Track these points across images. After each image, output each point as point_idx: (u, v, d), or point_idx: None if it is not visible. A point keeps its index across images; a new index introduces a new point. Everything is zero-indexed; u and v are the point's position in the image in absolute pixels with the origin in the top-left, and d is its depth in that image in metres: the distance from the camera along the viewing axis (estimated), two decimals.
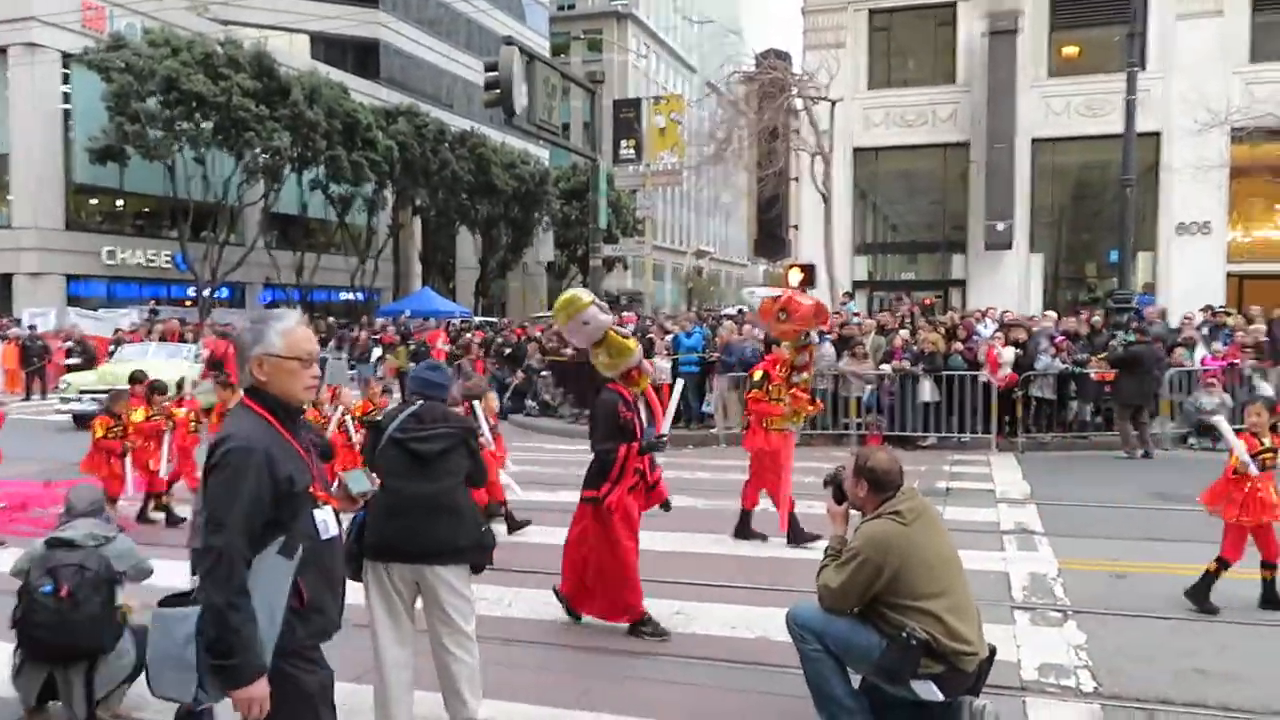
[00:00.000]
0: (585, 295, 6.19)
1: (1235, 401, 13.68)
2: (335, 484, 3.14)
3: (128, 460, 8.81)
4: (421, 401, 4.43)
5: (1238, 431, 6.42)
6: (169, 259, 34.39)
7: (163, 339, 21.01)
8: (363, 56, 46.88)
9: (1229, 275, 22.02)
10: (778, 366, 8.10)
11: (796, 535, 7.99)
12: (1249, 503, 6.10)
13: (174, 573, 4.61)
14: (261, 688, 2.64)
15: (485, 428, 8.32)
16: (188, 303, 34.04)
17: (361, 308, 39.92)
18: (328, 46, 45.31)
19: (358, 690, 4.52)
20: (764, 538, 8.16)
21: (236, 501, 2.64)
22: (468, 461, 4.41)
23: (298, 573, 2.72)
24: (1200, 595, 6.20)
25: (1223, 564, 6.20)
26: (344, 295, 41.58)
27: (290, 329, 2.87)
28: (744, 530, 8.27)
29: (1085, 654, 5.45)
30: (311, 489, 2.83)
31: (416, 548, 4.18)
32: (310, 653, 2.84)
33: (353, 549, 4.13)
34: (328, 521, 2.87)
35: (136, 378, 9.68)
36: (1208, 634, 5.76)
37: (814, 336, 8.75)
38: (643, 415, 6.11)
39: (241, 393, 2.89)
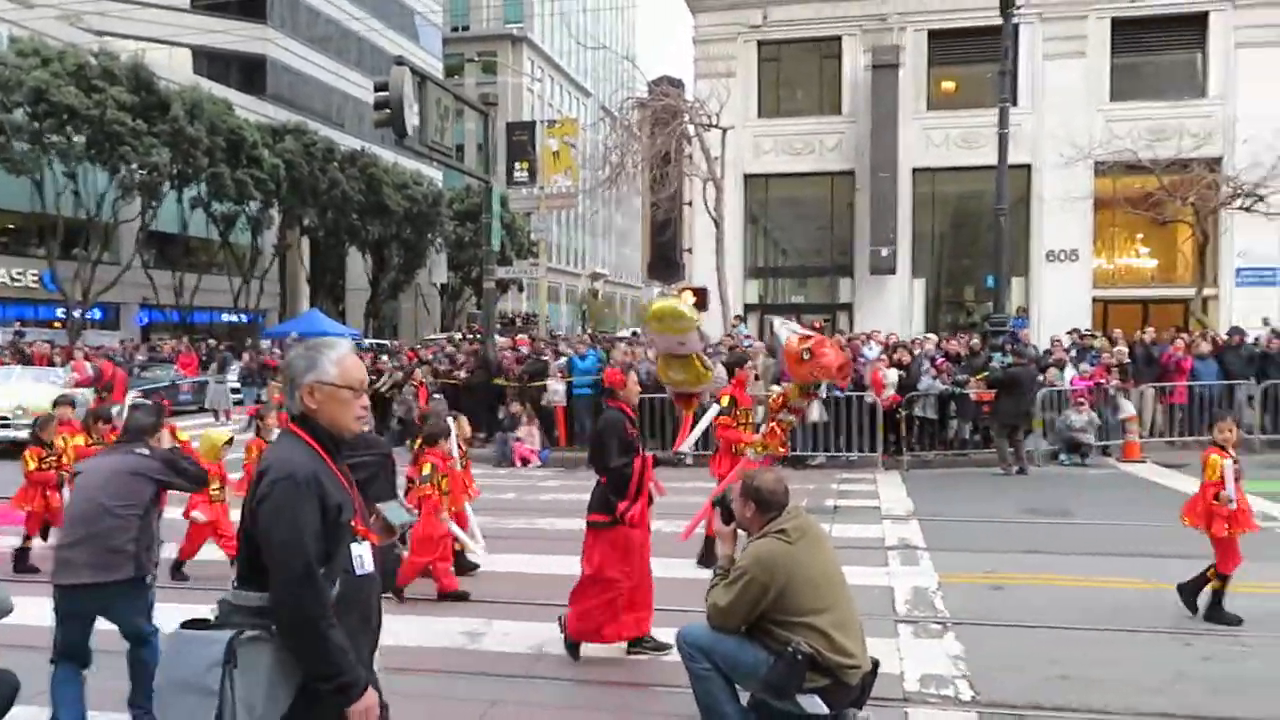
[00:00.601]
0: (693, 315, 6.04)
1: (1102, 419, 14.49)
2: (373, 517, 3.01)
3: (66, 492, 8.22)
4: None
5: (1210, 446, 6.69)
6: (36, 278, 32.66)
7: (27, 362, 19.93)
8: (249, 72, 45.68)
9: (1094, 300, 23.31)
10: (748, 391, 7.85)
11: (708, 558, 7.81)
12: (1235, 517, 6.42)
13: (40, 609, 4.39)
14: (372, 697, 2.62)
15: (455, 453, 8.16)
16: (56, 324, 32.37)
17: (246, 329, 38.68)
18: (211, 61, 43.99)
19: None
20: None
21: (297, 528, 2.59)
22: (391, 484, 4.34)
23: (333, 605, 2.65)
24: (1218, 613, 6.42)
25: (1224, 579, 6.46)
26: (227, 317, 40.22)
27: (343, 357, 2.82)
28: (710, 558, 7.84)
29: (964, 664, 5.67)
30: (352, 522, 2.76)
31: None
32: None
33: None
34: (363, 556, 2.77)
35: (61, 401, 9.11)
36: (1073, 642, 6.05)
37: (822, 387, 8.49)
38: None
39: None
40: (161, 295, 35.47)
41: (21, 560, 8.14)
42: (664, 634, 5.06)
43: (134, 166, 29.87)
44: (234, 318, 39.49)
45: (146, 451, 4.93)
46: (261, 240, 38.98)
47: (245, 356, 25.84)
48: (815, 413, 14.21)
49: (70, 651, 4.53)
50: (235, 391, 22.39)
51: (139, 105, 29.36)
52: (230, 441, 8.47)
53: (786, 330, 7.24)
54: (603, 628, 5.76)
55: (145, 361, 25.05)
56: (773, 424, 7.63)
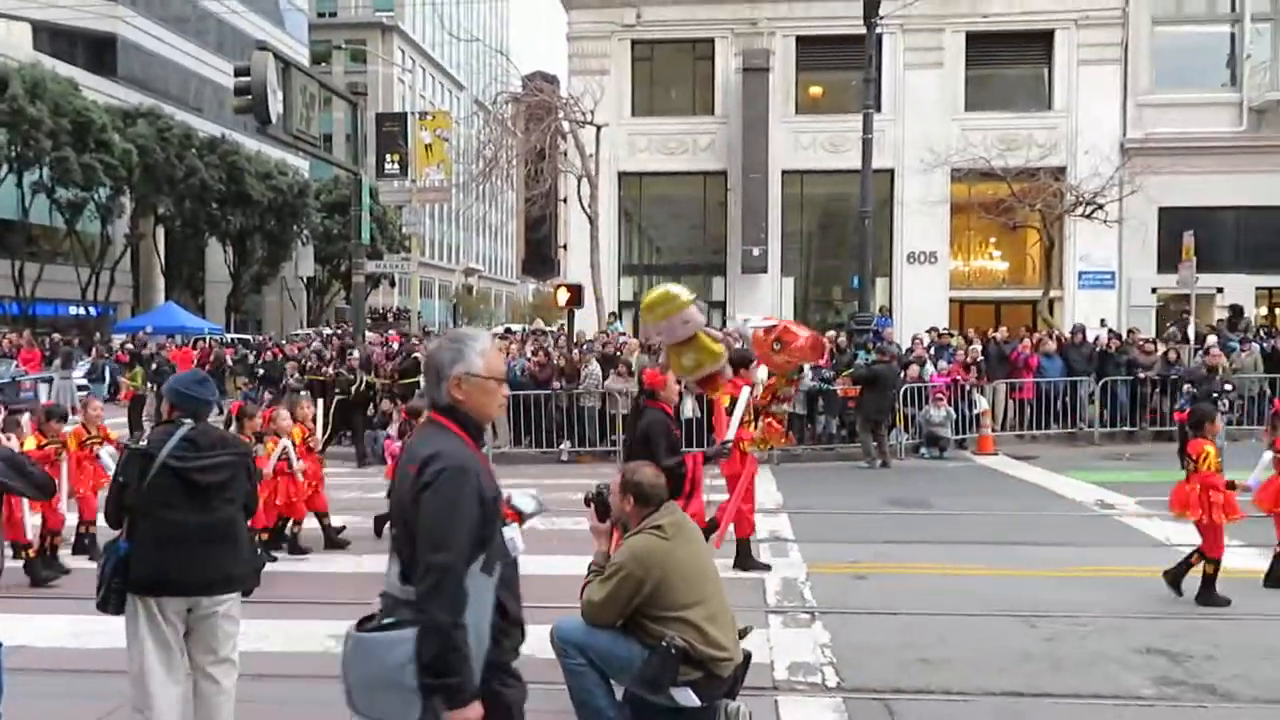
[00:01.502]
0: (684, 293, 5.81)
1: (958, 414, 15.22)
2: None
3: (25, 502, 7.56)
4: (191, 423, 4.10)
5: (1198, 438, 6.97)
6: None
7: None
8: (97, 51, 43.03)
9: (951, 300, 24.42)
10: (752, 390, 7.43)
11: (743, 560, 7.80)
12: (1228, 504, 6.75)
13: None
14: (477, 709, 2.65)
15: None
16: None
17: (95, 323, 36.53)
18: (54, 37, 41.27)
19: None
20: (767, 568, 7.83)
21: (457, 521, 2.65)
22: (247, 485, 4.19)
23: (497, 588, 2.76)
24: (1210, 596, 6.73)
25: (1216, 564, 6.79)
26: (74, 309, 37.87)
27: (487, 349, 2.94)
28: (746, 561, 7.84)
29: (830, 651, 5.87)
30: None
31: (195, 579, 3.96)
32: (511, 668, 2.90)
33: (113, 584, 3.89)
34: (515, 539, 2.92)
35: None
36: (931, 627, 6.34)
37: (805, 369, 8.37)
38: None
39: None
40: (0, 285, 33.15)
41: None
42: (538, 631, 5.02)
43: None
44: (81, 310, 37.23)
45: None
46: (112, 229, 36.87)
47: (93, 351, 24.40)
48: (688, 408, 14.43)
49: None
50: (82, 388, 21.11)
51: None
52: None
53: (749, 325, 7.12)
54: None
55: None
56: (767, 419, 7.45)
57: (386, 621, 2.74)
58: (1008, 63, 24.86)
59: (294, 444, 8.57)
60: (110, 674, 5.37)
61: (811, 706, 5.09)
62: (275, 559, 8.28)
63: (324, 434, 13.95)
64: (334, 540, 9.02)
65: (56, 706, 5.05)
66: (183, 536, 3.93)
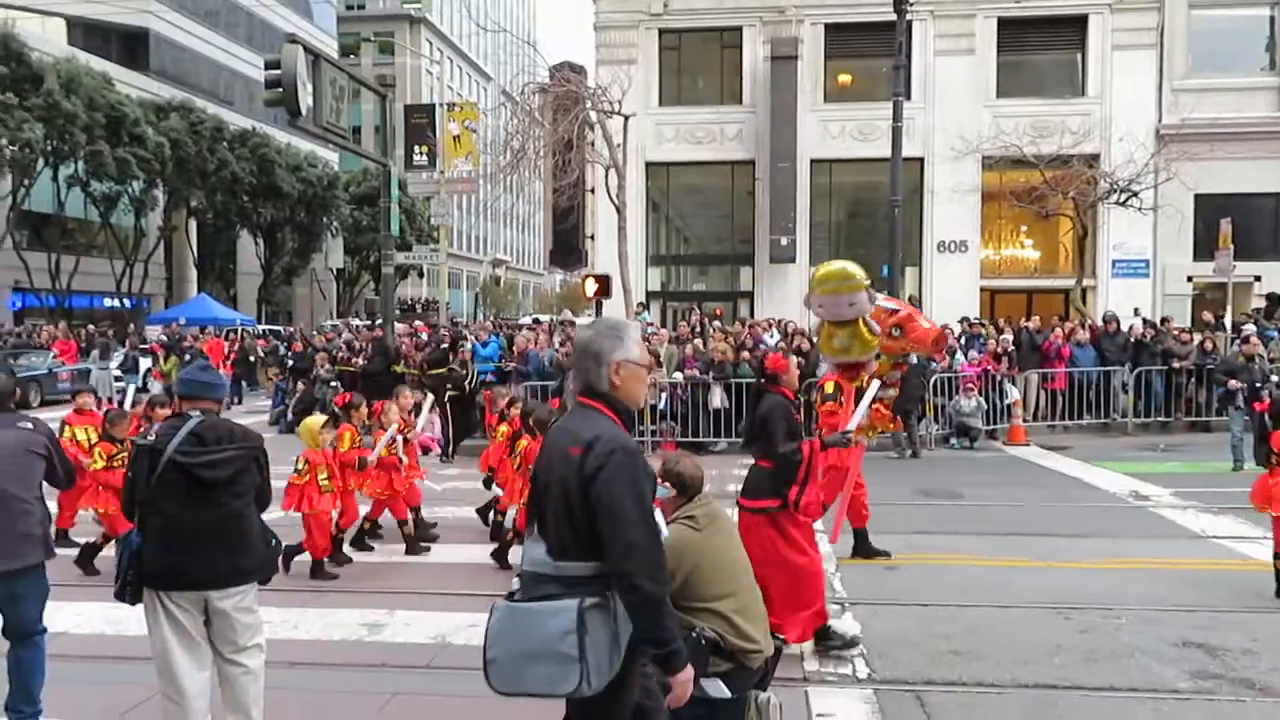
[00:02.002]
0: (861, 275, 5.71)
1: (989, 404, 15.07)
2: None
3: None
4: (200, 417, 4.11)
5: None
6: None
7: None
8: (130, 46, 43.48)
9: (982, 289, 24.19)
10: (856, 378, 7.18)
11: (863, 548, 7.85)
12: None
13: None
14: (690, 670, 2.84)
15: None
16: None
17: (129, 315, 37.02)
18: (88, 33, 41.74)
19: None
20: (888, 554, 7.88)
21: (642, 498, 2.79)
22: (258, 479, 4.20)
23: None
24: None
25: None
26: (109, 301, 38.38)
27: (638, 339, 3.08)
28: (865, 548, 7.91)
29: (860, 643, 5.84)
30: None
31: (202, 574, 3.98)
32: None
33: (128, 576, 3.94)
34: (661, 521, 3.09)
35: (82, 390, 8.64)
36: (963, 619, 6.30)
37: (912, 356, 7.77)
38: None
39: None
40: (36, 278, 33.61)
41: (88, 558, 7.75)
42: (472, 620, 5.04)
43: (4, 142, 28.19)
44: (116, 303, 37.73)
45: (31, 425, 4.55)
46: (146, 222, 37.28)
47: (127, 343, 24.72)
48: (717, 399, 14.42)
49: None
50: (117, 379, 21.40)
51: (9, 77, 27.75)
52: (327, 424, 7.87)
53: (875, 303, 6.77)
54: (822, 615, 5.56)
55: (20, 348, 23.74)
56: (875, 406, 7.01)
57: (539, 594, 2.84)
58: (1040, 48, 24.53)
59: (398, 438, 8.29)
60: (147, 661, 5.46)
61: (842, 698, 5.07)
62: (373, 549, 8.32)
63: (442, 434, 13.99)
64: (425, 535, 8.66)
65: (95, 692, 5.13)
66: (189, 532, 3.93)
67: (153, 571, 3.94)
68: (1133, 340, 16.33)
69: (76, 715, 4.74)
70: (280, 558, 4.29)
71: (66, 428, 8.19)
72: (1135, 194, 19.98)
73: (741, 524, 5.54)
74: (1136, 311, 19.27)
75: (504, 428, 8.63)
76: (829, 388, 7.50)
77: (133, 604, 4.01)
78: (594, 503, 2.77)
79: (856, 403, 6.32)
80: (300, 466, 7.47)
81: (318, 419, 8.07)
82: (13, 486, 4.23)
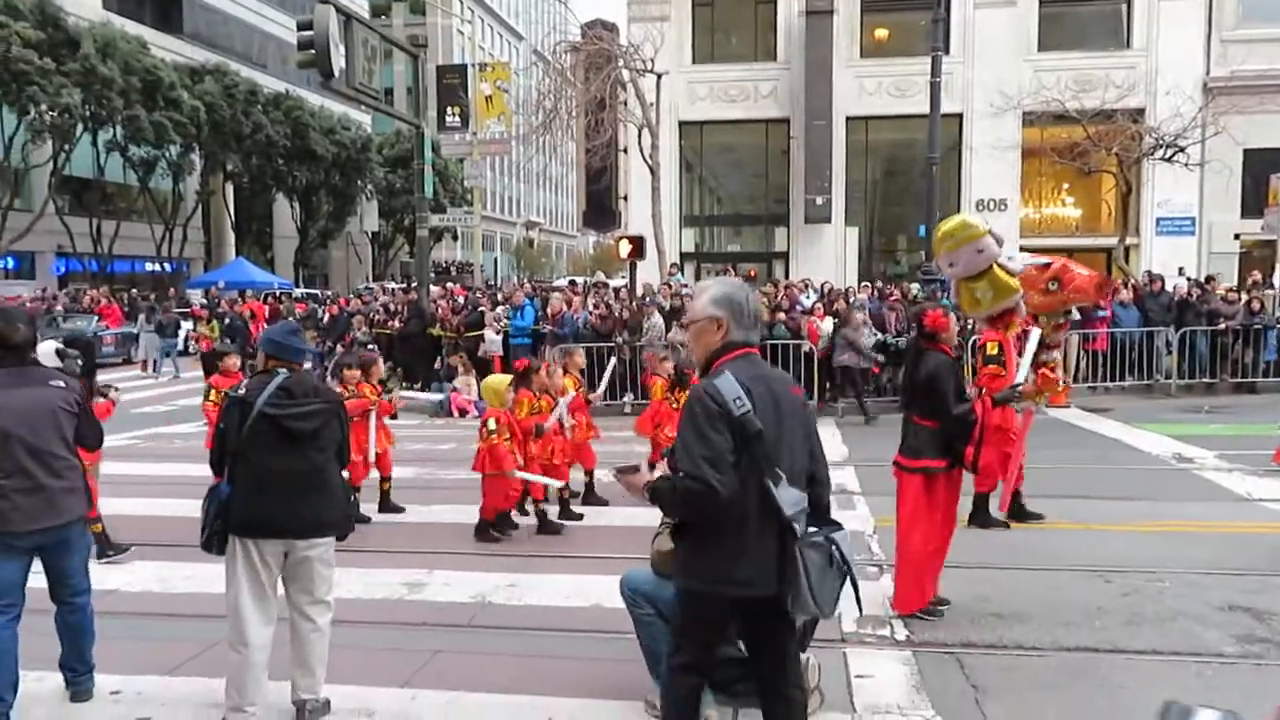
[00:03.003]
0: (980, 222, 5.54)
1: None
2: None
3: None
4: (286, 372, 4.23)
5: None
6: None
7: None
8: (164, 10, 43.65)
9: (1021, 248, 23.71)
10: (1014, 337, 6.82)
11: (1019, 511, 7.69)
12: None
13: None
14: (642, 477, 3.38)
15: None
16: None
17: (170, 279, 37.53)
18: None
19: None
20: (1007, 525, 7.56)
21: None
22: (339, 435, 4.32)
23: None
24: None
25: None
26: (149, 266, 38.91)
27: (711, 297, 3.36)
28: (1019, 512, 7.72)
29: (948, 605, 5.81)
30: None
31: (290, 524, 4.14)
32: None
33: (215, 525, 4.10)
34: None
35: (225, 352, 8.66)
36: (1002, 581, 6.26)
37: (1073, 311, 7.37)
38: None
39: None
40: (79, 243, 34.15)
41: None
42: (608, 582, 5.08)
43: (43, 108, 28.49)
44: (156, 267, 38.23)
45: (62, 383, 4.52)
46: (183, 186, 37.65)
47: (161, 307, 25.06)
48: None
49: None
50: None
51: (46, 43, 27.96)
52: (511, 384, 7.61)
53: (1018, 263, 6.41)
54: (928, 587, 5.54)
55: (65, 312, 24.15)
56: (1040, 370, 6.65)
57: (827, 528, 3.25)
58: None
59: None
60: (195, 618, 5.60)
61: (880, 659, 5.06)
62: (581, 516, 8.16)
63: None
64: (594, 498, 8.61)
65: (145, 648, 5.25)
66: (278, 482, 4.10)
67: (242, 520, 4.09)
68: (1177, 300, 16.01)
69: (127, 670, 4.85)
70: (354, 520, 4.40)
71: (213, 391, 8.10)
72: (1181, 149, 19.48)
73: (899, 484, 5.59)
74: (1181, 270, 18.89)
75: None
76: (991, 348, 7.14)
77: (219, 553, 4.16)
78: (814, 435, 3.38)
79: (1020, 354, 6.02)
80: (493, 427, 7.28)
81: (503, 378, 7.91)
82: (53, 445, 4.30)
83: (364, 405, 7.96)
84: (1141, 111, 21.57)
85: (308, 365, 10.78)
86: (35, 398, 4.28)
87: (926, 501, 5.50)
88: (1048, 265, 6.71)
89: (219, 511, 4.10)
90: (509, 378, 7.81)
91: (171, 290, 33.01)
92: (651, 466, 3.47)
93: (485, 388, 7.76)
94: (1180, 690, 4.62)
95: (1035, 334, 6.04)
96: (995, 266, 5.48)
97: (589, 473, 8.66)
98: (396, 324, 17.68)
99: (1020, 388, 5.81)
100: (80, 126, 30.77)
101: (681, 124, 24.57)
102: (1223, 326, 15.22)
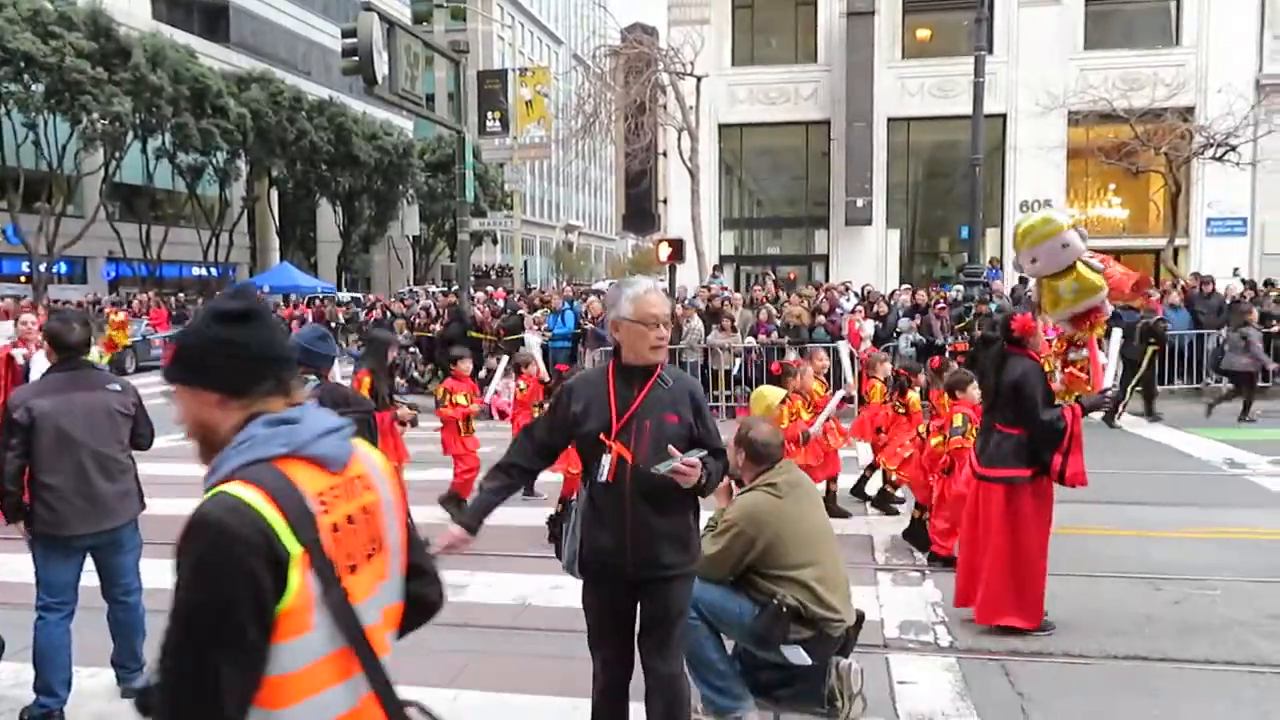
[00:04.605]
0: (1061, 217, 5.40)
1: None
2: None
3: None
4: (316, 380, 4.24)
5: None
6: None
7: None
8: (211, 19, 44.52)
9: None
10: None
11: None
12: None
13: (15, 565, 4.35)
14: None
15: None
16: (22, 279, 31.78)
17: (216, 283, 38.17)
18: (171, 7, 42.83)
19: None
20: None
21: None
22: (371, 442, 4.34)
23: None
24: None
25: None
26: (196, 270, 39.63)
27: (636, 295, 3.37)
28: None
29: (941, 610, 5.77)
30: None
31: None
32: None
33: None
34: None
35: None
36: (1048, 588, 6.14)
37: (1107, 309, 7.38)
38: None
39: None
40: (128, 248, 34.86)
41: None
42: (554, 581, 5.06)
43: (95, 116, 29.14)
44: (203, 271, 38.91)
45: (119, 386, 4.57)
46: (230, 192, 38.29)
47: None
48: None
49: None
50: None
51: (98, 53, 28.58)
52: (784, 400, 7.22)
53: (1084, 243, 6.12)
54: (1024, 607, 5.32)
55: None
56: (1068, 369, 6.39)
57: None
58: None
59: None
60: None
61: (924, 665, 5.01)
62: (896, 511, 8.11)
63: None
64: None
65: None
66: None
67: None
68: (1229, 302, 15.66)
69: None
70: None
71: (447, 394, 8.38)
72: (1233, 148, 19.07)
73: (979, 493, 5.42)
74: (1235, 272, 18.49)
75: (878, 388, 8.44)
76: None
77: None
78: None
79: (1104, 354, 5.87)
80: None
81: (776, 390, 7.18)
82: (109, 449, 4.37)
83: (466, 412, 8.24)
84: (1191, 110, 21.15)
85: (349, 367, 10.89)
86: (93, 401, 4.35)
87: (1009, 512, 5.34)
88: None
89: None
90: (782, 392, 7.25)
91: (218, 294, 33.63)
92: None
93: (757, 398, 6.99)
94: (1233, 702, 4.52)
95: (1117, 335, 5.81)
96: (1079, 263, 5.30)
97: (831, 479, 8.17)
98: (437, 327, 17.83)
99: (1108, 393, 5.65)
100: (130, 134, 31.40)
101: (721, 127, 24.53)
102: (1276, 329, 14.85)
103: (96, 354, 8.35)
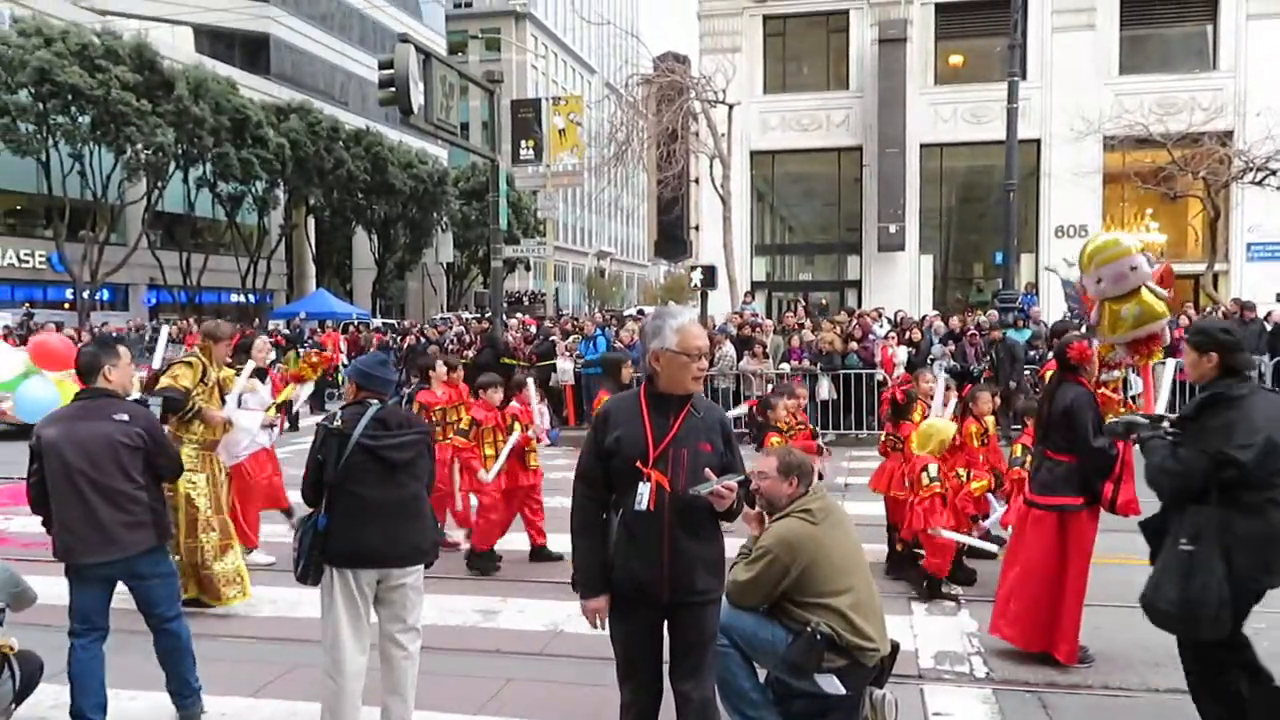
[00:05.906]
0: (1129, 240, 5.32)
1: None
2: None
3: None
4: (377, 403, 4.31)
5: None
6: (44, 259, 32.71)
7: None
8: (252, 51, 45.46)
9: None
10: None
11: None
12: None
13: (61, 588, 4.43)
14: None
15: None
16: (66, 305, 32.42)
17: (254, 310, 38.72)
18: (213, 40, 43.77)
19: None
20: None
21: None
22: (430, 464, 4.45)
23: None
24: None
25: None
26: (235, 297, 40.23)
27: (678, 327, 3.43)
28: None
29: (978, 641, 5.69)
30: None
31: (391, 552, 4.20)
32: None
33: (312, 555, 4.13)
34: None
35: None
36: (1087, 619, 6.00)
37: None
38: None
39: None
40: (169, 276, 35.49)
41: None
42: (569, 610, 5.03)
43: (139, 147, 29.79)
44: (242, 298, 39.50)
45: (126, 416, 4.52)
46: (268, 221, 38.92)
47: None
48: (825, 390, 14.23)
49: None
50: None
51: (143, 85, 29.24)
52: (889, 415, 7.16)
53: (1076, 271, 6.10)
54: (1060, 641, 5.28)
55: (154, 342, 25.03)
56: (1100, 390, 6.13)
57: None
58: (1167, 21, 23.36)
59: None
60: (279, 641, 5.73)
61: (960, 697, 4.94)
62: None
63: None
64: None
65: (233, 670, 5.38)
66: (376, 511, 4.15)
67: (341, 550, 4.13)
68: (1270, 329, 15.41)
69: (214, 691, 4.97)
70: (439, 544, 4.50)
71: (474, 425, 8.04)
72: (1273, 172, 18.85)
73: (1028, 520, 5.35)
74: (1278, 298, 18.20)
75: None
76: (1049, 376, 6.54)
77: (314, 584, 4.19)
78: None
79: (1157, 383, 5.62)
80: (934, 475, 6.61)
81: (950, 425, 6.80)
82: (111, 480, 4.36)
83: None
84: (1230, 134, 20.94)
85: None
86: (95, 431, 4.37)
87: (1059, 540, 5.28)
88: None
89: (315, 542, 4.13)
90: (954, 425, 6.83)
91: (257, 321, 34.04)
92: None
93: (927, 435, 6.60)
94: None
95: (1171, 364, 5.62)
96: (1144, 288, 5.20)
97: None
98: (470, 353, 17.95)
99: (1162, 420, 5.53)
100: (173, 164, 32.05)
101: (753, 153, 24.63)
102: None
103: (265, 392, 8.38)
